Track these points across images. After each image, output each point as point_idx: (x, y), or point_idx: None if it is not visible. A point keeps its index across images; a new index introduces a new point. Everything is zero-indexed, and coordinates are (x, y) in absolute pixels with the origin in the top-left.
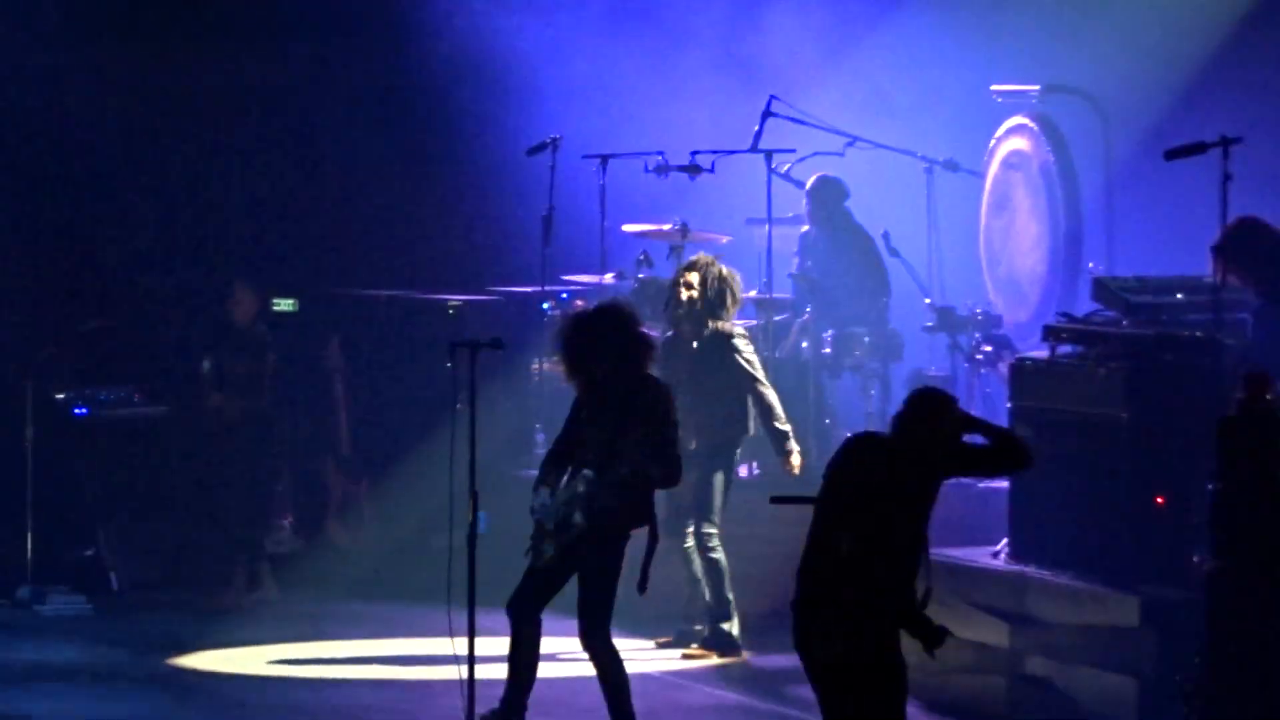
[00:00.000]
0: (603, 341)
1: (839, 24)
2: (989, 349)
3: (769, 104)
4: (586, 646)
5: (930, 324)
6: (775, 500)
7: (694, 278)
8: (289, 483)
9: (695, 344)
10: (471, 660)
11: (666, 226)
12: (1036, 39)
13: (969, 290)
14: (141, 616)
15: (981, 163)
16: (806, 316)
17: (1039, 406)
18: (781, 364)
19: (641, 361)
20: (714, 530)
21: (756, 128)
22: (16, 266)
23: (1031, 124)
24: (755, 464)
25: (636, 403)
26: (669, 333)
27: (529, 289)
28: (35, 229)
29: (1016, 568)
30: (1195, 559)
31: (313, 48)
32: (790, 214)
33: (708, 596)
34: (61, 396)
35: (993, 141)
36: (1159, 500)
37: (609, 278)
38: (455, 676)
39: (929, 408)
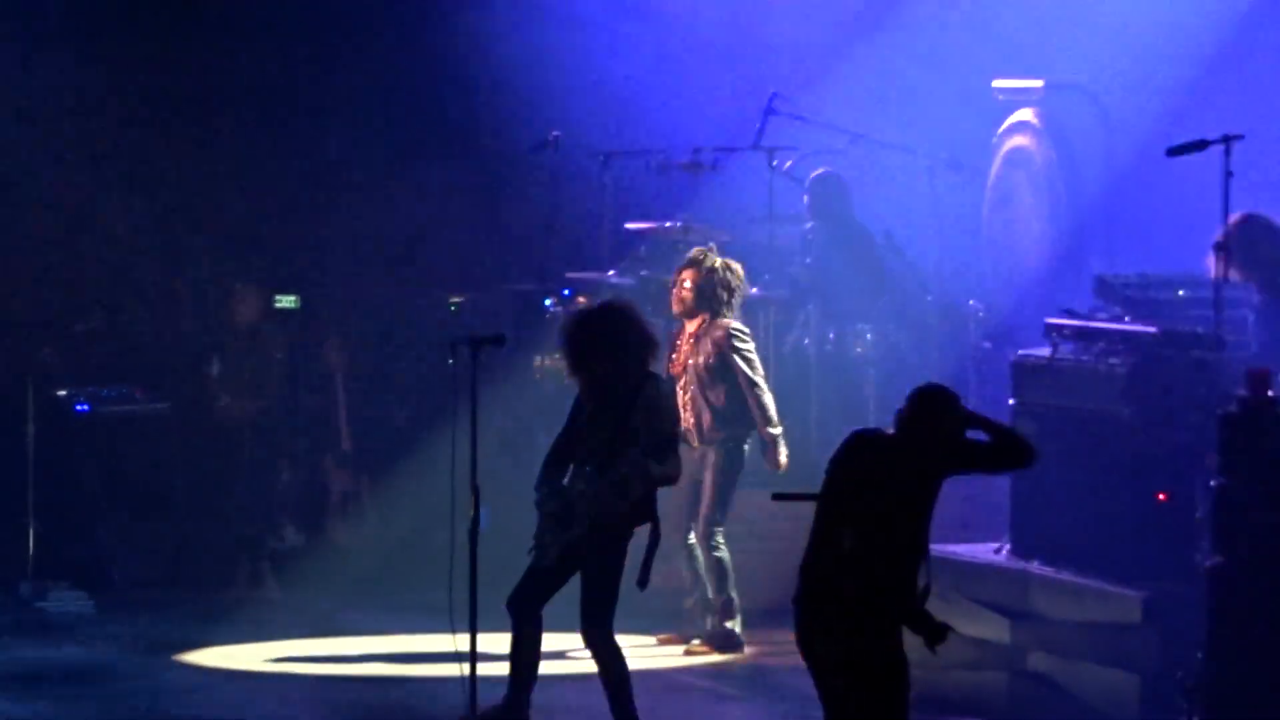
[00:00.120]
0: (605, 339)
1: (841, 21)
2: (990, 346)
3: (771, 101)
4: (588, 643)
5: (932, 321)
6: (777, 497)
7: (688, 276)
8: (290, 480)
9: (695, 340)
10: (473, 657)
11: (669, 224)
12: (1039, 35)
13: (971, 288)
14: (142, 614)
15: (984, 160)
16: (808, 313)
17: (1041, 403)
18: (783, 361)
19: (643, 359)
20: (718, 527)
21: (758, 125)
22: (17, 264)
23: (1034, 121)
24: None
25: (638, 400)
26: (675, 328)
27: (531, 286)
28: (36, 227)
29: (1018, 564)
30: (1197, 555)
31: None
32: (792, 211)
33: (711, 593)
34: (63, 393)
35: (995, 138)
36: (1161, 496)
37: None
38: (457, 673)
39: (931, 404)
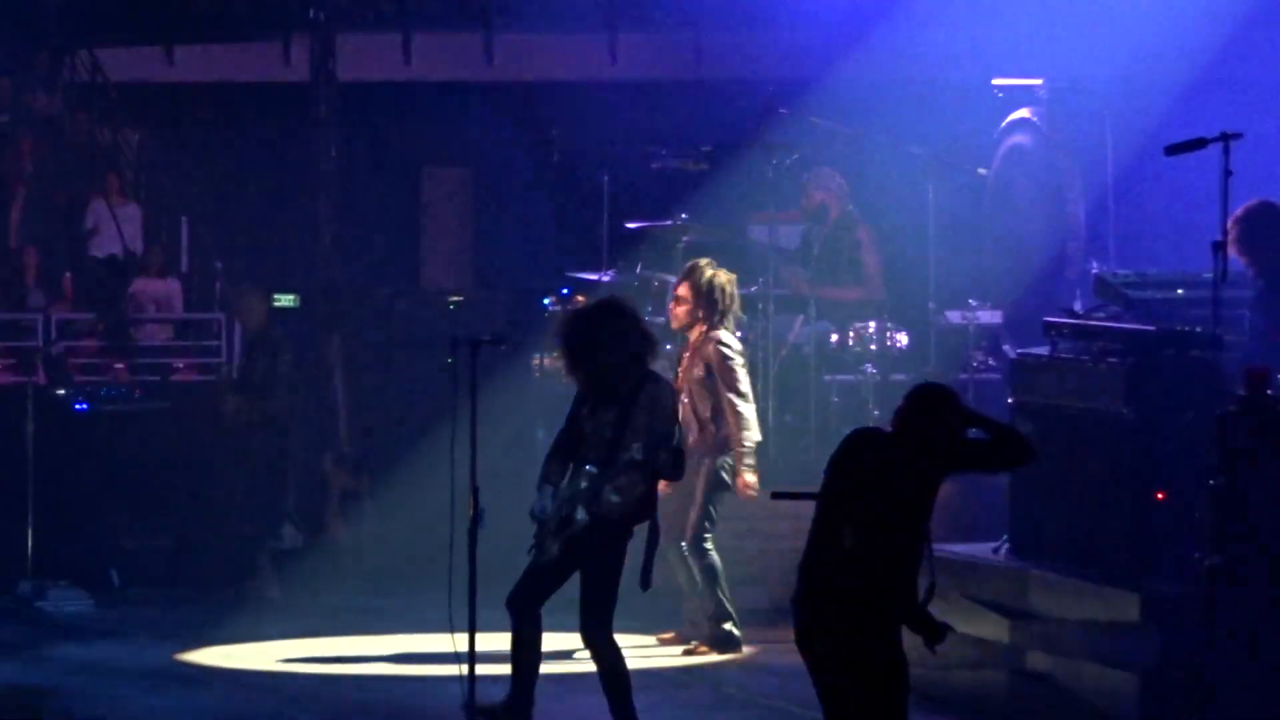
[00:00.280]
0: (603, 337)
1: (842, 18)
2: (989, 344)
3: (772, 99)
4: (588, 643)
5: (933, 318)
6: (777, 496)
7: (685, 289)
8: (291, 479)
9: (689, 349)
10: (472, 656)
11: (668, 223)
12: (1039, 33)
13: (971, 286)
14: (142, 612)
15: (983, 158)
16: (808, 313)
17: (1040, 402)
18: (784, 361)
19: (643, 356)
20: (707, 535)
21: (759, 123)
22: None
23: (1034, 119)
24: None
25: (638, 398)
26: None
27: (530, 284)
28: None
29: (1017, 563)
30: (1196, 554)
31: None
32: (793, 209)
33: (705, 597)
34: (62, 392)
35: (995, 136)
36: (1160, 495)
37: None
38: (456, 672)
39: (930, 402)
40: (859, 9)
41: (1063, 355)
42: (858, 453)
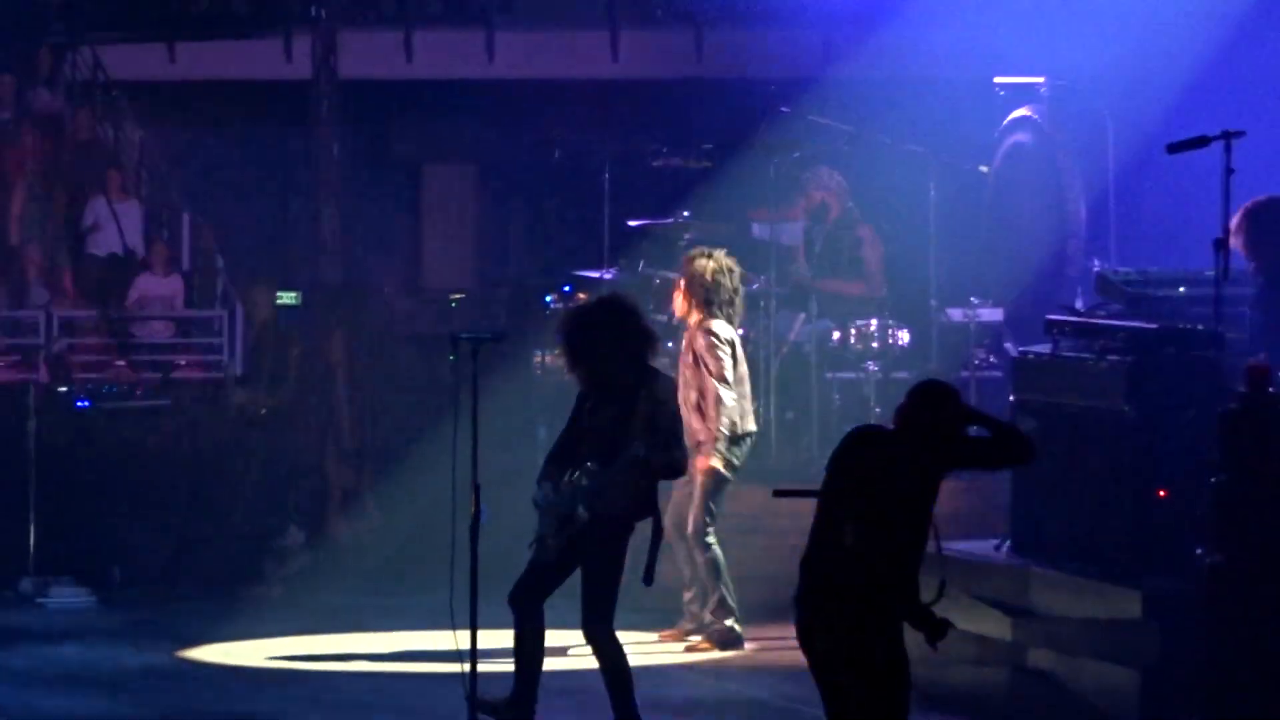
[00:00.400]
0: (605, 334)
1: (843, 17)
2: (991, 343)
3: (773, 97)
4: (589, 639)
5: (933, 318)
6: (779, 493)
7: (681, 280)
8: (293, 477)
9: (685, 339)
10: (474, 653)
11: (670, 220)
12: (1040, 32)
13: (972, 284)
14: (144, 610)
15: (985, 156)
16: (810, 311)
17: (1041, 400)
18: (785, 358)
19: (644, 353)
20: (709, 527)
21: (760, 122)
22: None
23: (1035, 117)
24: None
25: (639, 395)
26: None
27: (532, 282)
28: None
29: (1018, 560)
30: (1197, 552)
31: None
32: (794, 207)
33: (707, 591)
34: (64, 389)
35: (996, 134)
36: (1161, 493)
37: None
38: (458, 669)
39: (931, 400)
40: (860, 7)
41: (1064, 353)
42: (859, 450)
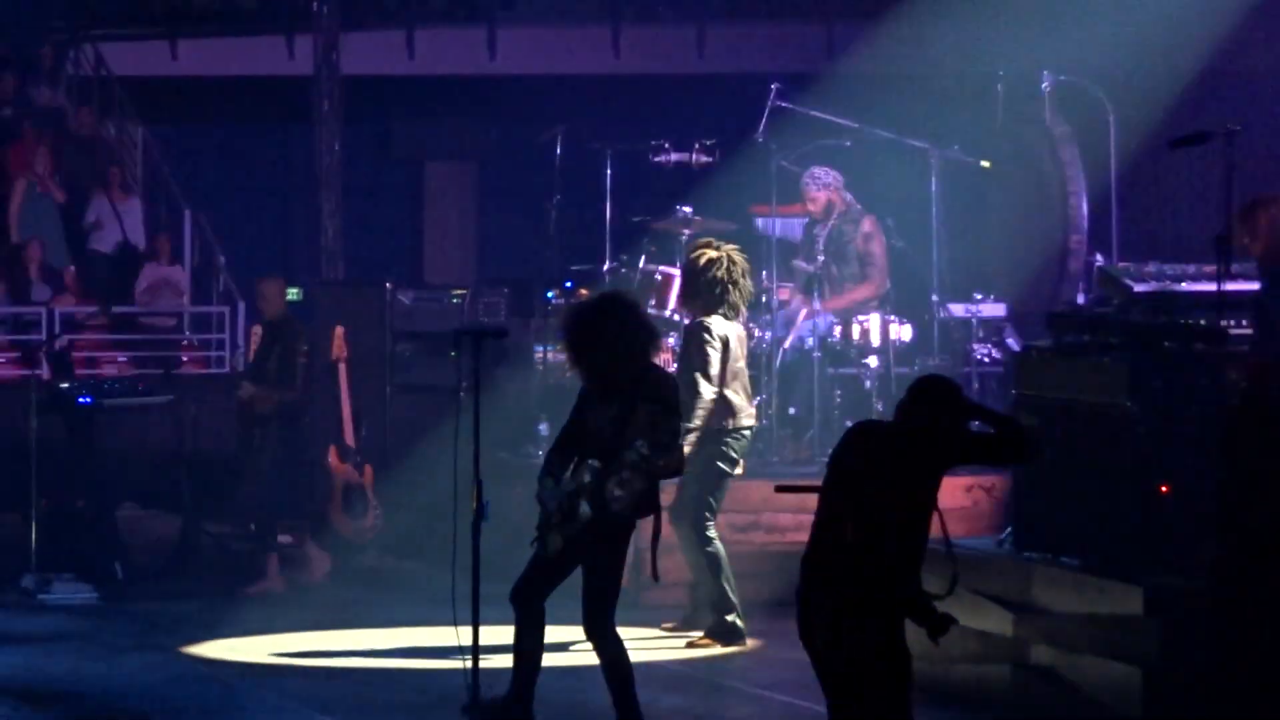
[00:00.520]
0: (606, 331)
1: (844, 15)
2: (994, 338)
3: (774, 94)
4: (590, 636)
5: (936, 311)
6: (781, 489)
7: (682, 272)
8: (295, 473)
9: (684, 333)
10: (475, 650)
11: (672, 216)
12: (1043, 28)
13: (974, 280)
14: (146, 606)
15: (987, 151)
16: (811, 307)
17: (1043, 395)
18: (786, 354)
19: (645, 350)
20: (709, 521)
21: (762, 118)
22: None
23: (1038, 112)
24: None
25: (641, 392)
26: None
27: (533, 278)
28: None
29: (1020, 556)
30: (1200, 548)
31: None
32: (795, 204)
33: (709, 587)
34: (66, 385)
35: (998, 129)
36: (1163, 489)
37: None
38: (459, 666)
39: (932, 395)
40: (862, 4)
41: (1066, 349)
42: (860, 446)
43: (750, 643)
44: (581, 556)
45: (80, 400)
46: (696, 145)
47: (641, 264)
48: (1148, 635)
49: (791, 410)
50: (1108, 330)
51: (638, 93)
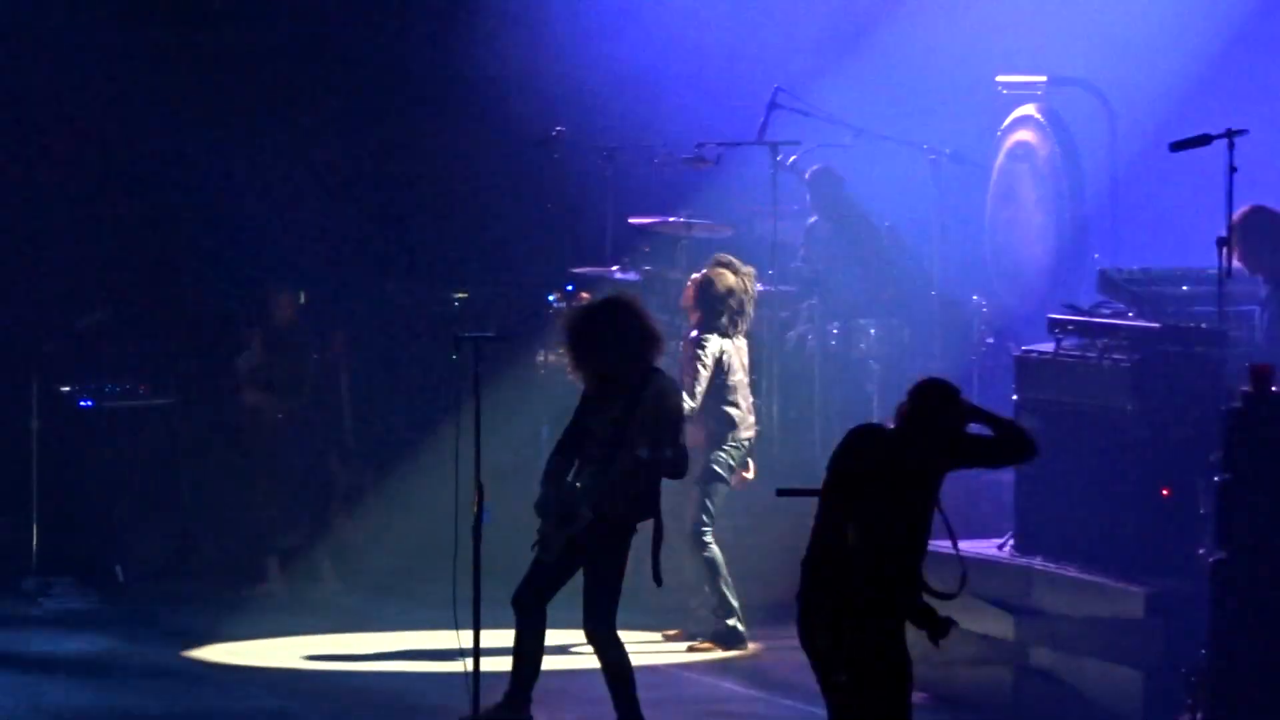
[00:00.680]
0: (608, 334)
1: (845, 15)
2: (993, 341)
3: (774, 96)
4: (591, 638)
5: (935, 316)
6: (781, 493)
7: (691, 281)
8: (296, 476)
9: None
10: (476, 652)
11: (672, 219)
12: (1043, 30)
13: (974, 283)
14: (148, 609)
15: (987, 154)
16: (811, 308)
17: (1044, 398)
18: (786, 357)
19: (647, 354)
20: (706, 528)
21: (762, 119)
22: (20, 258)
23: (1038, 116)
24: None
25: (642, 395)
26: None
27: (534, 281)
28: (37, 219)
29: (1022, 560)
30: (1200, 551)
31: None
32: (795, 206)
33: (707, 592)
34: (67, 389)
35: (999, 133)
36: (1165, 492)
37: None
38: (460, 669)
39: (933, 398)
40: (862, 4)
41: (1067, 352)
42: (860, 449)
43: (750, 646)
44: (582, 559)
45: (81, 403)
46: (697, 148)
47: (643, 267)
48: (1149, 638)
49: (791, 413)
50: (1108, 333)
51: (639, 94)
